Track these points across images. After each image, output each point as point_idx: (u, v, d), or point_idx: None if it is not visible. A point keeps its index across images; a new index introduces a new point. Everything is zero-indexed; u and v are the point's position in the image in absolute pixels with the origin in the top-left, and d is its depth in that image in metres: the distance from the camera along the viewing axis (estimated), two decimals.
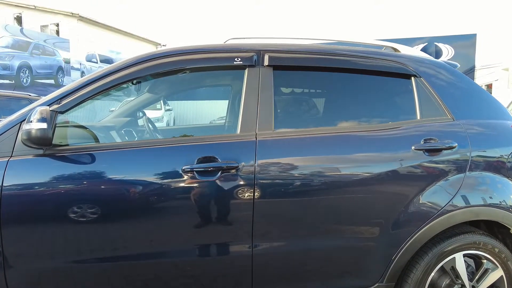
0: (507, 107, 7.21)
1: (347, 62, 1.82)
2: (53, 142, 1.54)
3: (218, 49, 1.78)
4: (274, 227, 1.62)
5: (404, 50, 2.02)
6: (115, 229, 1.54)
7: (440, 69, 1.94)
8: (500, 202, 1.76)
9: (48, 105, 1.57)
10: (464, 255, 1.76)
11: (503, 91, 12.77)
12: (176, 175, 1.55)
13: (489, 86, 14.40)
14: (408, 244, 1.68)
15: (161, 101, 10.84)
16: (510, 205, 1.77)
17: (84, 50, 14.59)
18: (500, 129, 1.87)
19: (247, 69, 1.73)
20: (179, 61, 1.74)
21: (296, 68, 1.82)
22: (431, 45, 13.31)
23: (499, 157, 1.80)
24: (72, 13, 15.82)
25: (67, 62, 13.25)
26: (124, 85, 1.83)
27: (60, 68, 12.80)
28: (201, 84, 2.81)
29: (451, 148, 1.73)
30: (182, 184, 1.55)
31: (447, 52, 13.51)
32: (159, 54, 1.75)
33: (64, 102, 1.62)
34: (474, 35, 14.11)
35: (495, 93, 13.22)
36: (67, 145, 1.64)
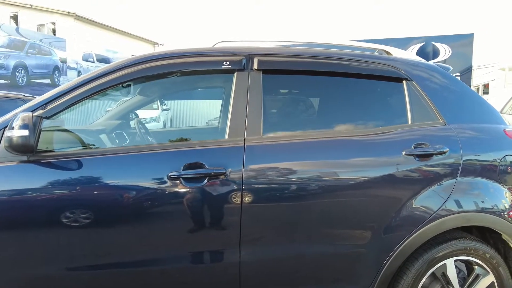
0: (505, 105, 7.20)
1: (337, 65, 1.80)
2: (38, 148, 1.52)
3: (206, 52, 1.75)
4: (262, 234, 1.60)
5: (396, 53, 2.01)
6: (99, 237, 1.51)
7: (432, 72, 1.92)
8: (491, 207, 1.74)
9: (31, 111, 1.54)
10: (455, 261, 1.74)
11: (499, 91, 12.79)
12: (162, 182, 1.52)
13: (486, 86, 14.42)
14: (399, 249, 1.67)
15: (158, 101, 10.85)
16: (501, 210, 1.75)
17: (80, 50, 14.52)
18: (492, 134, 1.85)
19: (236, 73, 1.71)
20: (168, 65, 1.72)
21: (286, 72, 1.80)
22: (428, 45, 13.32)
23: (491, 162, 1.78)
24: (69, 12, 15.76)
25: (64, 61, 13.19)
26: (113, 89, 1.81)
27: (56, 68, 12.73)
28: (193, 86, 2.79)
29: (442, 153, 1.71)
30: (168, 191, 1.52)
31: (445, 52, 13.53)
32: (147, 58, 1.73)
33: (49, 107, 1.59)
34: (471, 34, 14.14)
35: (492, 93, 13.24)
36: (53, 150, 1.62)
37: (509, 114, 6.64)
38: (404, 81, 1.84)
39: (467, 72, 14.08)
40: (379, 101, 1.90)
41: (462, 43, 13.94)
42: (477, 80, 14.66)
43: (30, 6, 16.14)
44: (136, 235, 1.53)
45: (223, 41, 1.88)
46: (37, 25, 16.11)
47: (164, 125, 10.19)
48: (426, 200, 1.68)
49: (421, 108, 1.81)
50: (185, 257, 1.58)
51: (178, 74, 1.87)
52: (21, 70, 11.32)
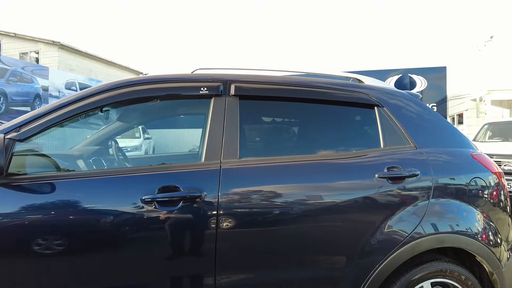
0: (478, 133, 7.48)
1: (311, 92, 1.87)
2: (10, 171, 1.49)
3: (185, 78, 1.79)
4: (238, 259, 1.58)
5: (368, 81, 2.10)
6: (69, 265, 1.46)
7: (402, 99, 2.01)
8: (465, 229, 1.78)
9: (4, 133, 1.52)
10: (432, 284, 1.75)
11: (473, 121, 13.35)
12: (136, 205, 1.50)
13: (461, 116, 15.03)
14: (375, 273, 1.67)
15: (140, 129, 10.82)
16: (474, 232, 1.79)
17: (64, 78, 14.48)
18: (460, 157, 1.92)
19: (213, 98, 1.75)
20: (146, 90, 1.75)
21: (262, 98, 1.85)
22: (405, 77, 13.94)
23: (461, 184, 1.84)
24: (53, 41, 15.81)
25: (45, 89, 13.08)
26: (89, 113, 1.81)
27: (37, 96, 12.59)
28: (174, 113, 2.82)
29: (414, 175, 1.76)
30: (141, 215, 1.50)
31: (421, 83, 14.15)
32: (126, 83, 1.75)
33: (23, 129, 1.57)
34: (445, 67, 14.88)
35: (466, 122, 13.81)
36: (25, 174, 1.59)
37: (481, 141, 6.91)
38: (375, 107, 1.92)
39: (442, 103, 14.70)
40: (353, 126, 1.97)
41: (437, 75, 14.63)
42: (452, 110, 15.28)
43: (14, 35, 16.14)
44: (108, 261, 1.49)
45: (201, 68, 1.93)
46: (20, 54, 16.05)
47: (146, 154, 10.08)
48: (399, 223, 1.71)
49: (392, 132, 1.88)
50: (158, 284, 1.53)
51: (157, 100, 1.90)
52: (0, 97, 11.14)
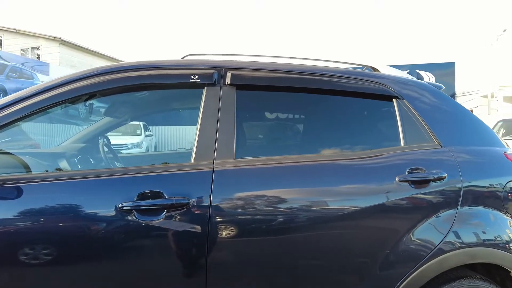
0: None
1: (321, 82, 1.61)
2: None
3: (171, 65, 1.54)
4: (232, 278, 1.33)
5: (385, 69, 1.84)
6: (36, 279, 1.22)
7: (424, 91, 1.75)
8: (499, 242, 1.52)
9: None
10: None
11: (483, 118, 12.97)
12: (112, 214, 1.26)
13: None
14: None
15: (141, 126, 10.62)
16: (510, 245, 1.53)
17: (64, 74, 14.31)
18: (493, 157, 1.66)
19: (205, 88, 1.50)
20: (126, 78, 1.50)
21: (263, 88, 1.59)
22: (412, 73, 13.57)
23: (494, 189, 1.58)
24: (54, 37, 15.63)
25: None
26: (69, 104, 1.58)
27: None
28: (166, 107, 2.56)
29: (440, 179, 1.50)
30: (118, 226, 1.26)
31: (428, 79, 13.81)
32: (104, 70, 1.51)
33: None
34: (453, 63, 14.53)
35: None
36: None
37: None
38: (394, 100, 1.66)
39: None
40: (368, 121, 1.71)
41: (445, 71, 14.30)
42: None
43: (15, 31, 15.97)
44: (79, 280, 1.24)
45: (193, 54, 1.68)
46: (21, 49, 15.89)
47: (147, 151, 9.88)
48: (423, 234, 1.46)
49: (414, 128, 1.62)
50: None
51: (145, 92, 1.66)
52: (0, 93, 10.98)
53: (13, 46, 15.67)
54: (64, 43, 15.91)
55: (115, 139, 8.77)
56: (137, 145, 9.72)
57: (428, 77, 13.91)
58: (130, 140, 9.43)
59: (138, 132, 10.38)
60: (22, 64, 12.12)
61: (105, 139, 2.58)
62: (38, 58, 15.69)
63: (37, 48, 15.94)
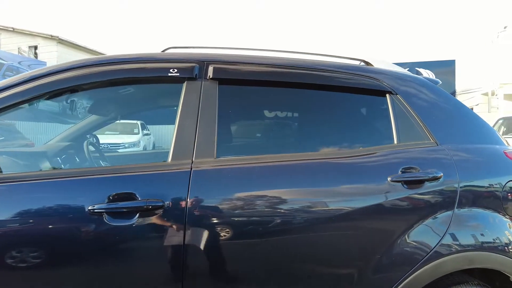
0: (492, 127, 7.09)
1: (310, 76, 1.52)
2: None
3: (149, 58, 1.45)
4: (210, 285, 1.24)
5: (378, 63, 1.74)
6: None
7: (420, 86, 1.66)
8: (497, 245, 1.43)
9: None
10: None
11: (484, 116, 12.86)
12: (82, 217, 1.17)
13: None
14: None
15: (139, 125, 10.53)
16: (509, 249, 1.45)
17: None
18: (492, 155, 1.57)
19: (185, 82, 1.41)
20: (101, 73, 1.41)
21: (248, 83, 1.50)
22: (412, 71, 13.43)
23: (493, 189, 1.49)
24: (52, 36, 15.56)
25: None
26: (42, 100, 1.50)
27: None
28: (154, 105, 2.47)
29: (435, 179, 1.41)
30: (88, 230, 1.17)
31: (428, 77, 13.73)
32: (76, 65, 1.42)
33: None
34: (453, 61, 14.43)
35: None
36: None
37: None
38: (387, 95, 1.57)
39: None
40: (360, 118, 1.62)
41: (445, 69, 14.21)
42: None
43: (12, 29, 15.90)
44: (43, 286, 1.16)
45: (175, 47, 1.59)
46: (18, 48, 15.82)
47: (144, 150, 9.79)
48: (417, 238, 1.37)
49: (408, 125, 1.53)
50: None
51: (131, 89, 1.57)
52: None
53: (11, 45, 15.60)
54: (61, 41, 15.84)
55: (112, 138, 8.71)
56: (134, 144, 9.64)
57: (428, 75, 13.80)
58: (127, 139, 9.36)
59: (136, 131, 10.30)
60: (19, 63, 12.05)
61: (94, 138, 2.50)
62: (36, 57, 15.62)
63: (35, 47, 15.86)
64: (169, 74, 1.40)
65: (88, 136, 2.50)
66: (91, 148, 2.39)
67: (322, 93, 1.55)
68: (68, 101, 2.04)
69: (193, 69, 1.41)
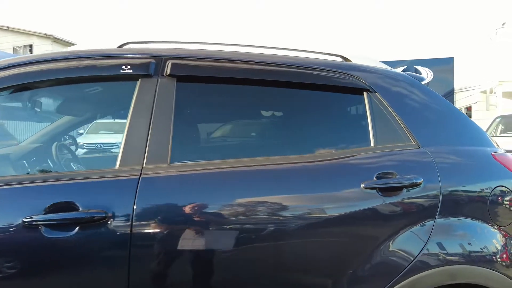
0: (489, 127, 6.96)
1: (278, 73, 1.39)
2: None
3: (100, 54, 1.33)
4: None
5: (357, 59, 1.61)
6: None
7: (400, 82, 1.53)
8: (483, 258, 1.30)
9: None
10: None
11: (482, 114, 12.73)
12: (17, 230, 1.05)
13: (469, 109, 14.41)
14: None
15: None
16: (497, 263, 1.32)
17: None
18: (479, 158, 1.45)
19: (139, 80, 1.28)
20: (46, 71, 1.29)
21: (210, 80, 1.38)
22: (410, 68, 13.34)
23: (479, 196, 1.36)
24: (47, 35, 15.48)
25: None
26: None
27: None
28: (121, 105, 2.34)
29: (415, 185, 1.29)
30: (22, 245, 1.05)
31: (427, 75, 13.58)
32: (18, 62, 1.30)
33: None
34: (452, 58, 14.31)
35: (475, 116, 13.24)
36: None
37: (493, 136, 6.38)
38: (364, 92, 1.44)
39: (449, 95, 14.11)
40: (333, 118, 1.49)
41: (443, 66, 14.08)
42: (459, 103, 14.66)
43: (7, 28, 15.80)
44: None
45: (133, 42, 1.46)
46: (13, 47, 15.72)
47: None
48: (395, 252, 1.25)
49: (387, 126, 1.40)
50: None
51: (98, 88, 1.46)
52: None
53: (5, 43, 15.49)
54: (56, 40, 15.75)
55: (106, 138, 8.57)
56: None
57: (427, 73, 13.67)
58: (120, 140, 9.19)
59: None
60: None
61: (70, 139, 2.39)
62: None
63: (30, 46, 15.77)
64: (121, 72, 1.27)
65: (66, 137, 2.39)
66: (64, 150, 2.28)
67: (293, 91, 1.43)
68: (30, 101, 1.93)
69: (149, 65, 1.29)
